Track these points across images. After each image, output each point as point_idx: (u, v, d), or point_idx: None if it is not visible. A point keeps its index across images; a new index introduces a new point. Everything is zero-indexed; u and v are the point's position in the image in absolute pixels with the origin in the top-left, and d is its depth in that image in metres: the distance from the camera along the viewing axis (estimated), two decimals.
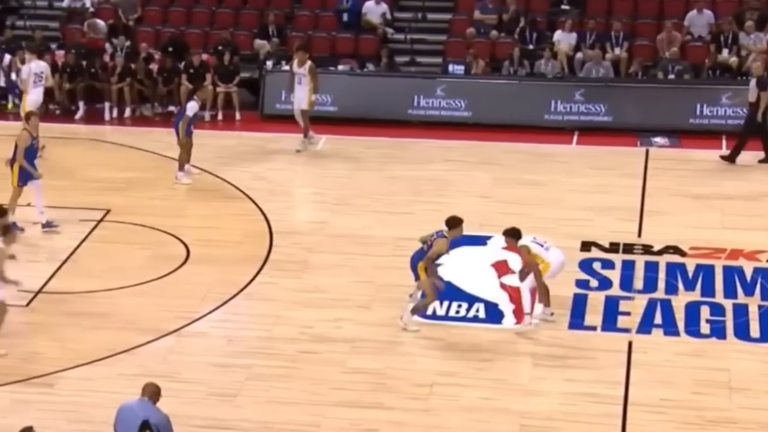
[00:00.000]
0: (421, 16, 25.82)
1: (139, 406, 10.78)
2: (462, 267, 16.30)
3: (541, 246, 14.74)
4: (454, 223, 14.73)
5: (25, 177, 17.54)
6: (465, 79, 23.25)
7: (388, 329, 14.68)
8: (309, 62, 21.07)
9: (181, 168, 19.36)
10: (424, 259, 14.58)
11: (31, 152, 17.60)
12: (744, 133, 20.46)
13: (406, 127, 22.36)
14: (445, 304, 15.29)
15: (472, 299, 15.46)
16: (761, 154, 20.43)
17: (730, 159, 20.35)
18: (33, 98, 20.61)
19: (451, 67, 23.75)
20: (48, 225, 17.57)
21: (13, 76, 23.35)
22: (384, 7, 25.18)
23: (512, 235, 14.79)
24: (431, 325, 14.87)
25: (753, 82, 20.48)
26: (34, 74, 20.73)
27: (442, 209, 18.12)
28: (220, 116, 23.16)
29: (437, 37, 25.01)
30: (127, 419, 10.72)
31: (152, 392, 10.89)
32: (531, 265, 14.58)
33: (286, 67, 23.45)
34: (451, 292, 15.55)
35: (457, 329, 14.78)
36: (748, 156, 20.35)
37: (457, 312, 15.17)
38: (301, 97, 21.02)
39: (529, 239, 14.77)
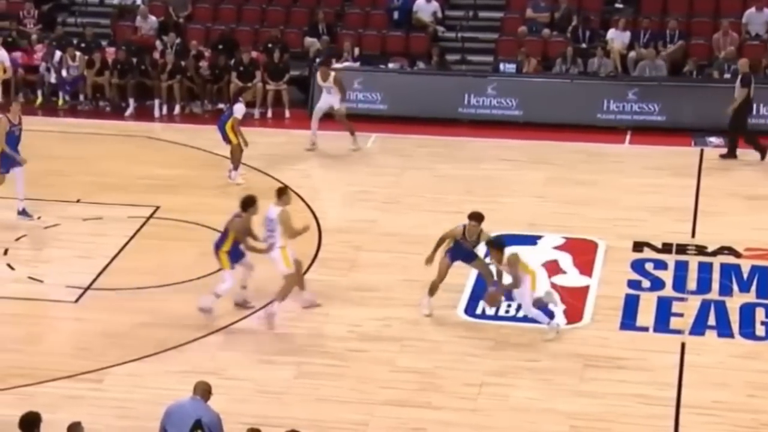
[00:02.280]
0: (472, 14, 25.79)
1: (191, 405, 10.78)
2: None
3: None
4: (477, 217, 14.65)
5: (8, 164, 17.73)
6: (516, 77, 23.20)
7: (437, 328, 14.68)
8: (333, 74, 21.09)
9: (236, 168, 19.44)
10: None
11: (12, 139, 17.71)
12: (738, 129, 20.63)
13: (457, 126, 22.34)
14: None
15: None
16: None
17: (730, 155, 20.54)
18: None
19: (502, 66, 23.71)
20: (24, 213, 17.75)
21: (64, 72, 23.61)
22: (435, 5, 25.18)
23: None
24: (481, 324, 14.86)
25: (739, 78, 20.62)
26: None
27: (492, 208, 18.12)
28: (269, 114, 23.28)
29: (488, 36, 24.98)
30: (178, 419, 10.71)
31: (203, 391, 10.91)
32: (519, 276, 14.19)
33: (337, 65, 23.61)
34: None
35: (506, 329, 14.75)
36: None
37: (507, 311, 15.14)
38: (333, 102, 21.01)
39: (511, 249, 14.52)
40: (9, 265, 16.41)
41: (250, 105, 20.39)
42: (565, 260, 16.51)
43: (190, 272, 16.07)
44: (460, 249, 14.79)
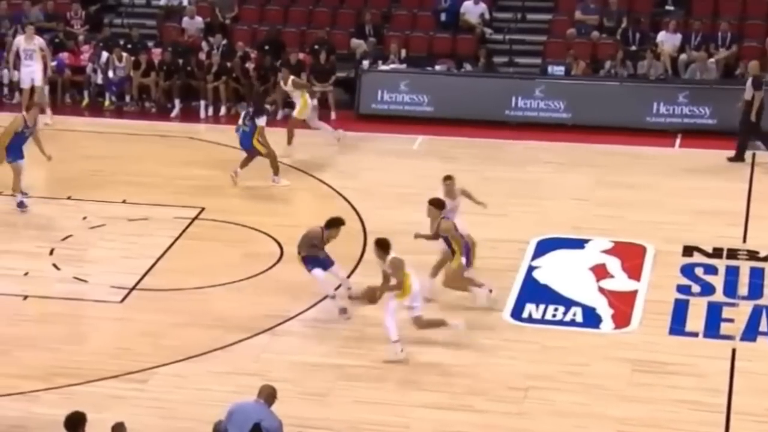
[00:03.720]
0: (520, 16, 25.72)
1: (254, 408, 10.78)
2: (559, 270, 16.20)
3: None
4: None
5: (15, 153, 18.06)
6: (564, 80, 23.11)
7: (481, 331, 14.62)
8: (291, 77, 21.12)
9: (276, 172, 19.45)
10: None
11: (20, 140, 18.16)
12: (743, 132, 20.55)
13: (504, 128, 22.29)
14: (542, 307, 15.21)
15: (569, 303, 15.34)
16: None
17: (738, 158, 20.44)
18: None
19: (550, 68, 23.64)
20: (22, 205, 18.14)
21: (110, 73, 23.79)
22: (483, 7, 25.14)
23: (381, 246, 14.13)
24: (527, 328, 14.80)
25: (749, 80, 20.54)
26: None
27: (537, 211, 18.13)
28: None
29: (536, 38, 24.90)
30: (239, 420, 10.71)
31: (268, 394, 10.90)
32: (401, 280, 13.98)
33: (383, 67, 23.65)
34: (547, 295, 15.47)
35: (553, 333, 14.68)
36: None
37: (554, 315, 15.07)
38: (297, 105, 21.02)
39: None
40: (55, 265, 16.54)
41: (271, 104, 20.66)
42: (614, 264, 16.40)
43: (234, 273, 16.13)
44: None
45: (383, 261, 14.19)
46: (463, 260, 14.84)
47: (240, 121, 19.69)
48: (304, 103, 20.86)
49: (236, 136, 19.79)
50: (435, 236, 14.98)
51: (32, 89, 23.00)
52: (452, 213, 15.70)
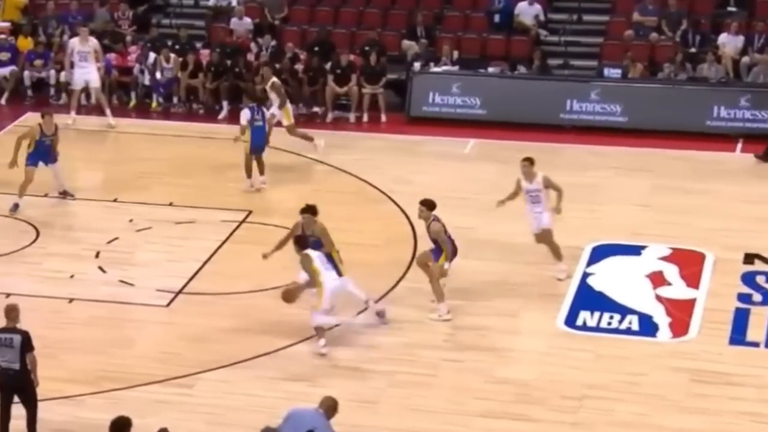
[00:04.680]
0: (576, 17, 25.59)
1: (312, 416, 10.80)
2: (615, 277, 16.11)
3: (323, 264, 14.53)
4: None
5: (35, 157, 18.42)
6: (621, 83, 22.96)
7: (535, 339, 14.57)
8: (273, 78, 20.95)
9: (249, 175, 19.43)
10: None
11: (42, 148, 18.46)
12: None
13: (558, 132, 22.17)
14: (597, 314, 15.12)
15: (624, 311, 15.24)
16: None
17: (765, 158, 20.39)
18: None
19: (606, 71, 23.48)
20: (15, 207, 18.35)
21: (158, 74, 23.94)
22: (538, 8, 25.04)
23: (296, 242, 14.60)
24: (581, 336, 14.72)
25: None
26: None
27: (592, 217, 18.03)
28: (365, 118, 23.32)
29: (593, 40, 24.77)
30: (294, 424, 10.76)
31: (329, 406, 10.92)
32: (313, 277, 14.28)
33: (435, 69, 23.61)
34: (603, 303, 15.38)
35: (608, 341, 14.59)
36: None
37: (609, 323, 14.97)
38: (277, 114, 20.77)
39: (315, 254, 14.50)
40: (100, 268, 16.66)
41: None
42: (671, 271, 16.27)
43: (281, 278, 16.09)
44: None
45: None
46: (447, 265, 14.86)
47: (254, 121, 19.43)
48: (286, 111, 20.62)
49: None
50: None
51: (86, 91, 23.18)
52: (532, 196, 15.78)
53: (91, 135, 22.28)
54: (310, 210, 15.13)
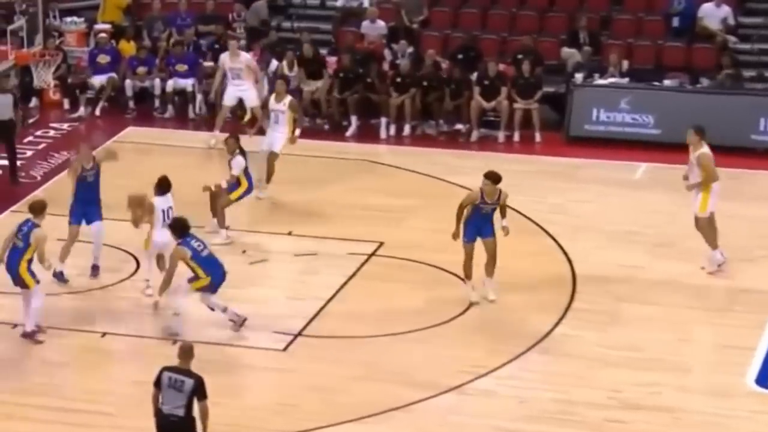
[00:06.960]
0: None
1: None
2: None
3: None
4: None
5: (79, 215, 17.59)
6: None
7: (718, 398, 14.48)
8: (289, 97, 20.82)
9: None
10: None
11: (86, 187, 17.59)
12: None
13: (748, 156, 22.03)
14: None
15: None
16: None
17: None
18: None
19: None
20: (60, 276, 17.47)
21: None
22: (726, 10, 24.92)
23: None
24: None
25: None
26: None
27: None
28: (516, 137, 23.45)
29: None
30: None
31: None
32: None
33: (600, 81, 23.61)
34: None
35: None
36: None
37: None
38: (276, 138, 20.58)
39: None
40: (210, 306, 16.99)
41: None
42: None
43: (415, 320, 16.34)
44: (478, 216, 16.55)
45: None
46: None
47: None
48: (291, 132, 20.52)
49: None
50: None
51: (240, 109, 23.44)
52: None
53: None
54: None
